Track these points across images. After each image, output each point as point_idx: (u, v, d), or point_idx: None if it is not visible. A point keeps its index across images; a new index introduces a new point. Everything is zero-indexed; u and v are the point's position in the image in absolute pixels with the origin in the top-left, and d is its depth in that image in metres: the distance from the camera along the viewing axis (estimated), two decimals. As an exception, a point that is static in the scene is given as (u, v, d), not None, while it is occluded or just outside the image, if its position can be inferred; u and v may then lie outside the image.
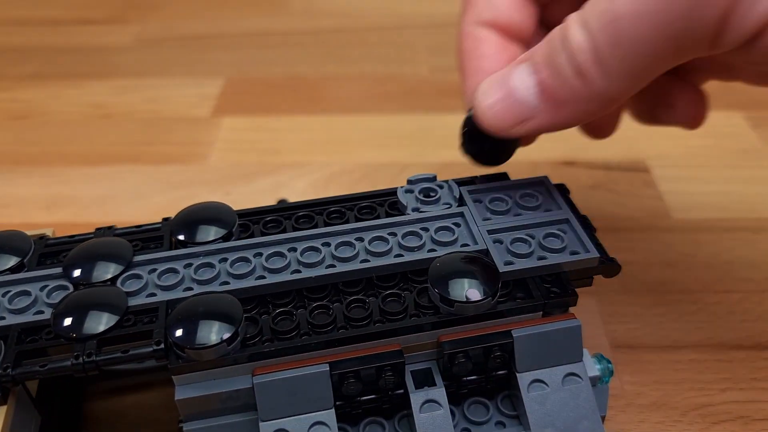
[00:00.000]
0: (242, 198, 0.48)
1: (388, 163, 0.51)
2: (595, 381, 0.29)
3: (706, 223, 0.45)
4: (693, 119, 0.34)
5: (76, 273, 0.28)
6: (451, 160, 0.51)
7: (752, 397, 0.35)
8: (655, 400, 0.35)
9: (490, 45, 0.31)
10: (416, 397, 0.27)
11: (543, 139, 0.54)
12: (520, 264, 0.28)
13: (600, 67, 0.25)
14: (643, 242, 0.44)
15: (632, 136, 0.54)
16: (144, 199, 0.49)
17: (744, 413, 0.34)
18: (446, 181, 0.33)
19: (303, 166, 0.51)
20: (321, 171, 0.51)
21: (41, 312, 0.27)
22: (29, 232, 0.31)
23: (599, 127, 0.36)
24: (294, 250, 0.29)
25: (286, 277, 0.28)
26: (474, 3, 0.32)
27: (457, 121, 0.58)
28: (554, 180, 0.35)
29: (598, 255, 0.29)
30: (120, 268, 0.29)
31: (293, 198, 0.46)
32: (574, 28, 0.26)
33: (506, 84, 0.28)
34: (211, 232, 0.30)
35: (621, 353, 0.37)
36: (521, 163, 0.51)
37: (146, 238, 0.31)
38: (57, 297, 0.28)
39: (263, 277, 0.28)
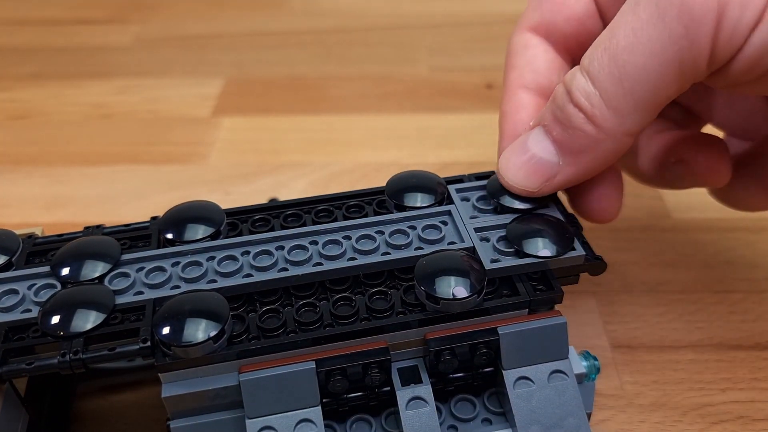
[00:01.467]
0: (242, 198, 0.48)
1: (388, 163, 0.51)
2: (581, 378, 0.29)
3: (706, 223, 0.45)
4: (713, 172, 0.34)
5: (64, 271, 0.28)
6: (451, 160, 0.51)
7: (752, 397, 0.34)
8: (655, 400, 0.34)
9: (529, 110, 0.32)
10: (402, 395, 0.27)
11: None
12: (507, 261, 0.28)
13: (608, 106, 0.26)
14: (643, 242, 0.44)
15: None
16: (144, 199, 0.49)
17: (744, 413, 0.34)
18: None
19: (303, 166, 0.51)
20: (321, 171, 0.51)
21: (29, 310, 0.27)
22: (18, 231, 0.31)
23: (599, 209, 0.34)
24: (281, 248, 0.29)
25: (273, 275, 0.28)
26: (516, 65, 0.33)
27: (457, 121, 0.58)
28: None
29: (584, 253, 0.29)
30: (108, 266, 0.29)
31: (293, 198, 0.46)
32: (576, 76, 0.27)
33: (526, 150, 0.29)
34: (199, 231, 0.30)
35: (621, 353, 0.37)
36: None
37: (134, 237, 0.31)
38: (44, 295, 0.28)
39: (250, 275, 0.28)
